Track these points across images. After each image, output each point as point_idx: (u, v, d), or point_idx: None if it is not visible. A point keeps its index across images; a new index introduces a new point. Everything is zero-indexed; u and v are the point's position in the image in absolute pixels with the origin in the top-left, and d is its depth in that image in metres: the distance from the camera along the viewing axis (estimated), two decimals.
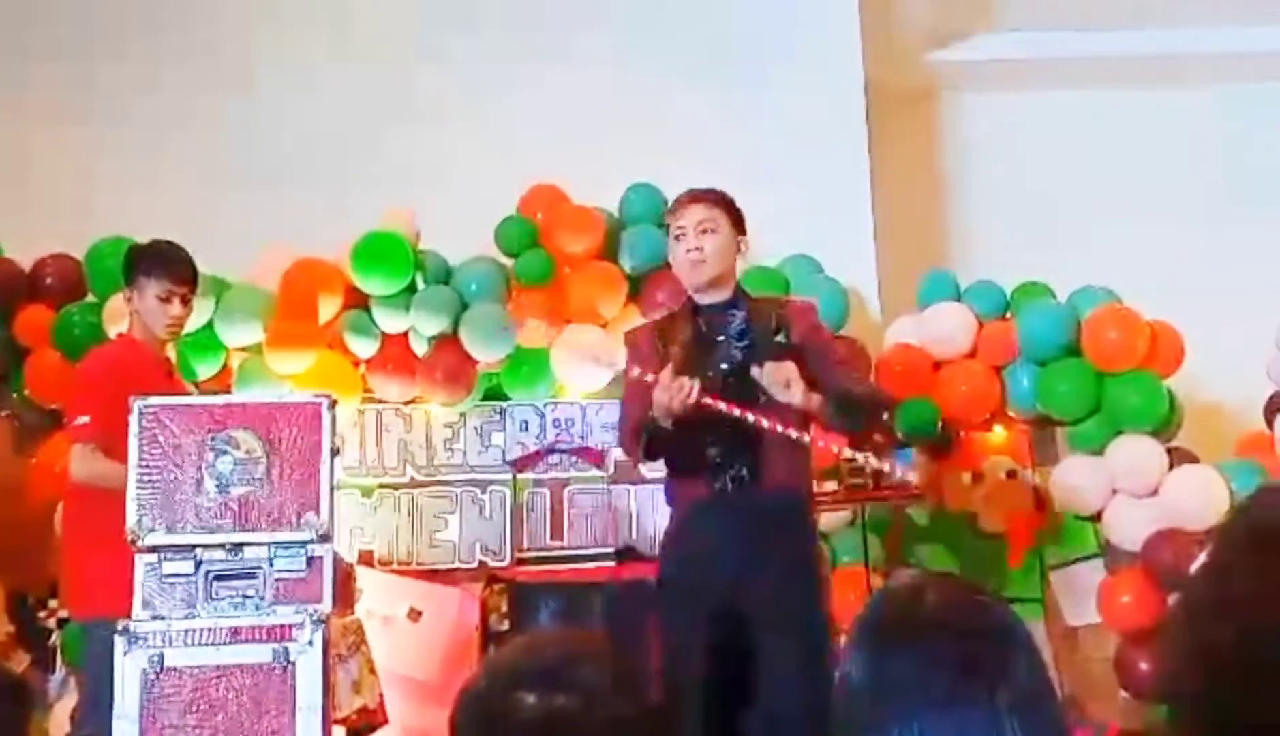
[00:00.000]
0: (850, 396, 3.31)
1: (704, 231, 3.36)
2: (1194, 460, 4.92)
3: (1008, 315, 5.22)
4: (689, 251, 3.36)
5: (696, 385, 3.08)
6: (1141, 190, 6.51)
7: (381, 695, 4.55)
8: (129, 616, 3.05)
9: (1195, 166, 6.54)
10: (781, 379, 3.11)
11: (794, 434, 3.14)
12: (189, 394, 4.14)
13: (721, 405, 3.11)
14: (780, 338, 3.34)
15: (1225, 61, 6.57)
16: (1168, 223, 6.39)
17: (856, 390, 3.38)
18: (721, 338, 3.36)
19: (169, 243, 3.91)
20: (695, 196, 3.42)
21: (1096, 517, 5.01)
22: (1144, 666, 4.75)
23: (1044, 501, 5.19)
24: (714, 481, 3.27)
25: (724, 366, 3.30)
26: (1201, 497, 4.72)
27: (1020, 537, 5.28)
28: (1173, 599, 4.43)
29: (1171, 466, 4.83)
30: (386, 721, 4.54)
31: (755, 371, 3.14)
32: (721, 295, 3.41)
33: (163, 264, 3.83)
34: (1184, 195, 6.48)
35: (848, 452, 3.38)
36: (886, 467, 3.47)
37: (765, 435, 3.14)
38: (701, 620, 3.17)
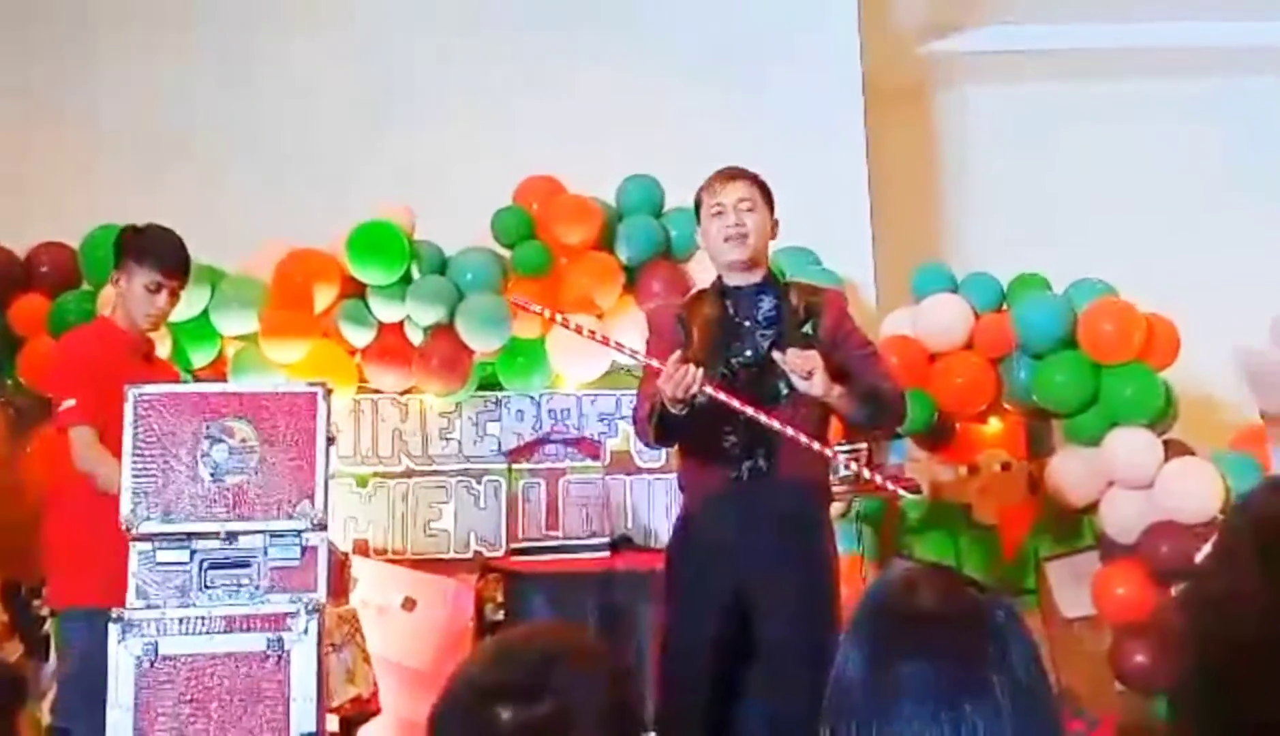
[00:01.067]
0: (876, 393, 3.24)
1: (746, 209, 3.29)
2: (1190, 452, 4.91)
3: (1004, 307, 5.22)
4: (730, 228, 3.27)
5: (699, 374, 3.00)
6: (1138, 183, 6.50)
7: (376, 684, 4.55)
8: (105, 604, 3.06)
9: (1192, 159, 6.53)
10: (804, 368, 3.05)
11: (803, 439, 3.07)
12: (171, 377, 4.11)
13: (723, 396, 3.05)
14: (808, 328, 3.26)
15: (1222, 55, 6.57)
16: (1164, 215, 6.39)
17: (883, 388, 3.29)
18: (748, 322, 3.28)
19: (164, 229, 3.84)
20: (734, 174, 3.34)
21: (1092, 509, 5.01)
22: (1139, 658, 4.76)
23: (1039, 493, 5.19)
24: (730, 470, 3.20)
25: (747, 353, 3.23)
26: (1197, 490, 4.73)
27: (1015, 529, 5.28)
28: (1175, 592, 4.45)
29: (1167, 459, 4.83)
30: (380, 711, 4.54)
31: (777, 354, 3.09)
32: (753, 278, 3.33)
33: (155, 253, 3.76)
34: (1181, 188, 6.47)
35: (843, 461, 3.37)
36: (890, 485, 3.43)
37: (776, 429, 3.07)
38: (709, 616, 3.13)
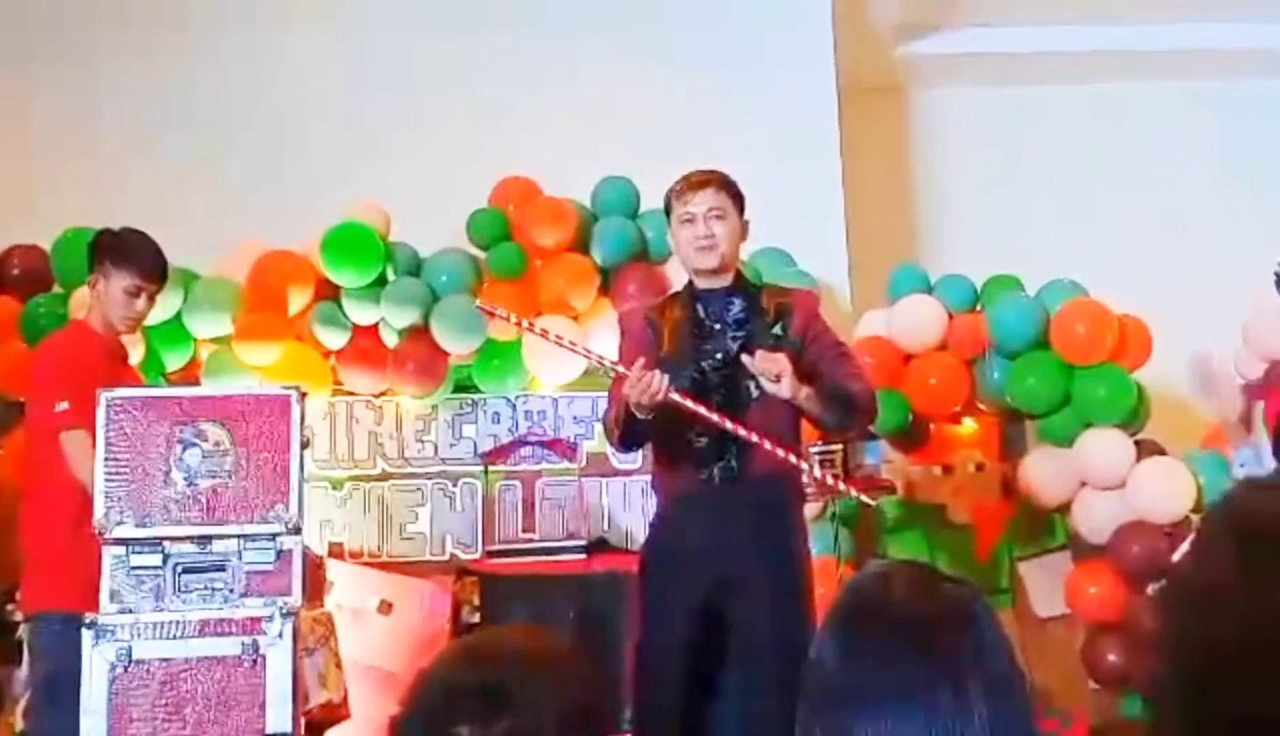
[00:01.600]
0: (846, 394, 3.24)
1: (715, 217, 3.29)
2: (1161, 453, 4.95)
3: (978, 308, 5.24)
4: (700, 238, 3.28)
5: (665, 381, 3.01)
6: (1110, 185, 6.55)
7: (346, 689, 4.52)
8: (79, 609, 3.04)
9: (1163, 161, 6.58)
10: (772, 370, 3.05)
11: (768, 445, 3.07)
12: (142, 383, 4.09)
13: (689, 403, 3.06)
14: (778, 330, 3.27)
15: (1194, 57, 6.61)
16: (1136, 217, 6.44)
17: (853, 388, 3.28)
18: (718, 325, 3.29)
19: (141, 233, 3.81)
20: (704, 180, 3.33)
21: (1064, 509, 5.04)
22: (1112, 657, 4.79)
23: (1013, 493, 5.22)
24: (702, 472, 3.20)
25: (718, 355, 3.24)
26: (1169, 490, 4.77)
27: (989, 529, 5.31)
28: (1152, 590, 4.48)
29: (1139, 459, 4.87)
30: (349, 715, 4.52)
31: (746, 357, 3.10)
32: (722, 281, 3.34)
33: (135, 257, 3.73)
34: (1152, 190, 6.52)
35: (815, 473, 3.37)
36: (853, 493, 3.42)
37: (751, 428, 3.08)
38: (684, 617, 3.13)
